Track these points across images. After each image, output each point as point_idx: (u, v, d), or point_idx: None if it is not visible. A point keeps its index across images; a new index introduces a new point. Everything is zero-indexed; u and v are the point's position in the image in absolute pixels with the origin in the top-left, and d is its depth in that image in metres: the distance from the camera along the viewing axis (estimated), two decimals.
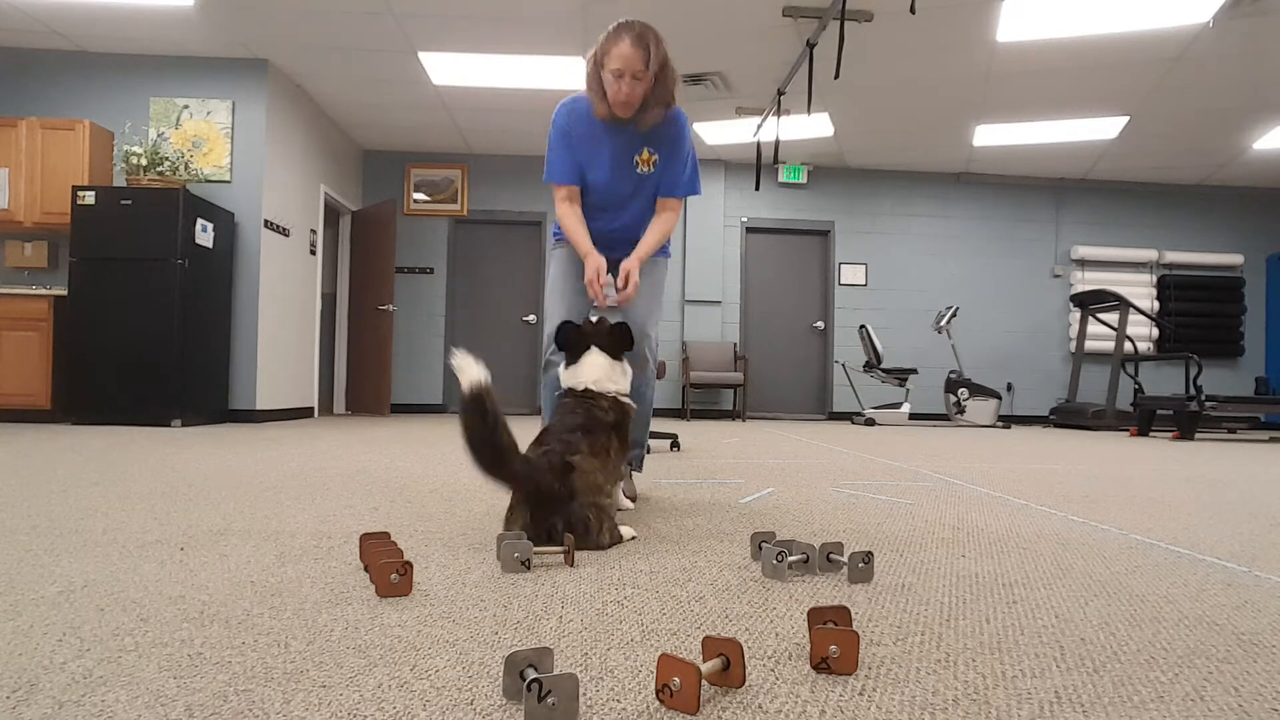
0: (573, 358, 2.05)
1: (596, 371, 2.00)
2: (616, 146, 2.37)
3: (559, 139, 2.40)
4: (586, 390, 1.98)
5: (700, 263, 8.95)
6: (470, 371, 1.59)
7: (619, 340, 2.06)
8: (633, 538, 1.84)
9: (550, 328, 2.36)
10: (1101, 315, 8.50)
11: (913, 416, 8.84)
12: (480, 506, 2.24)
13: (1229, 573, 1.59)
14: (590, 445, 1.79)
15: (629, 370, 2.10)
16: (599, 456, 1.80)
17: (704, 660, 0.93)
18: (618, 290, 2.29)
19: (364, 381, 8.17)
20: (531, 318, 8.81)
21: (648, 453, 4.13)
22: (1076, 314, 8.97)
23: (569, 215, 2.40)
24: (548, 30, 5.79)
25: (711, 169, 8.98)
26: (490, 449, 1.60)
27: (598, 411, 1.92)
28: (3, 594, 1.25)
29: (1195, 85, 6.55)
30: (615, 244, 2.42)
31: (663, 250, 2.54)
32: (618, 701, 0.87)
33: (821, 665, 0.98)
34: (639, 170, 2.39)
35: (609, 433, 1.90)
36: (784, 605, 1.28)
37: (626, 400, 2.03)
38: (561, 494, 1.67)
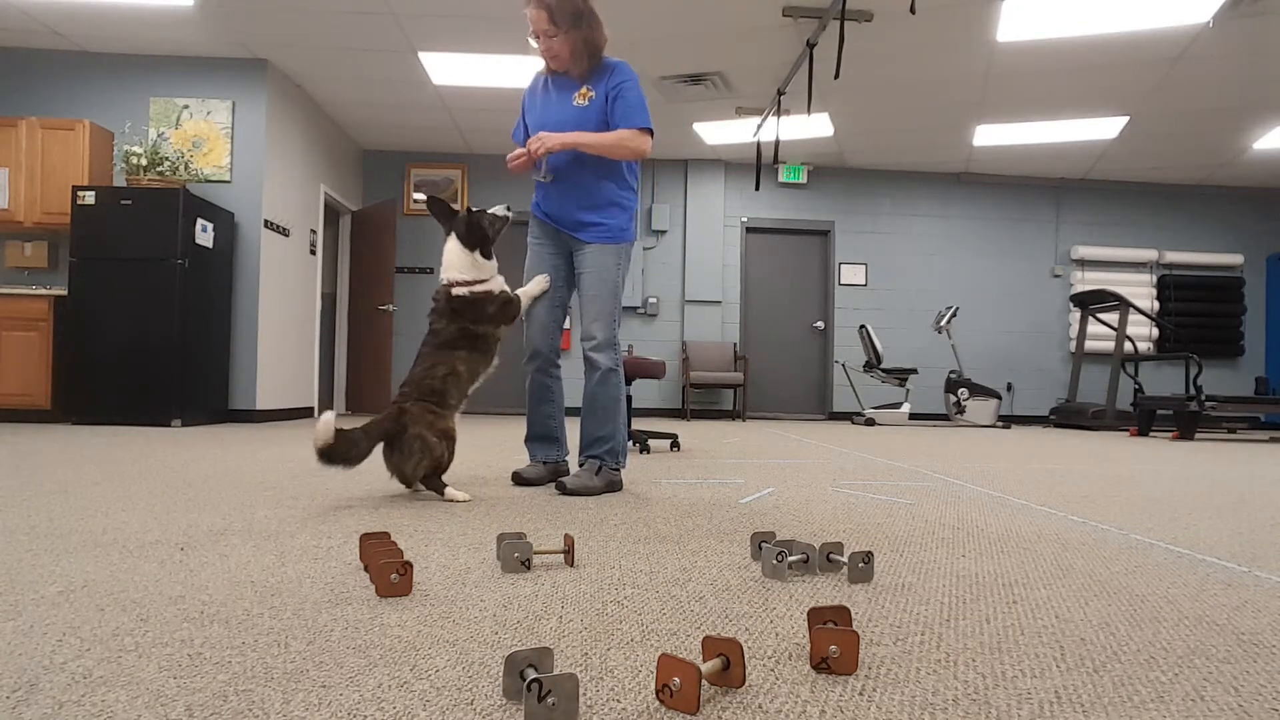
0: (445, 233, 2.49)
1: (450, 259, 2.44)
2: (558, 91, 2.69)
3: (522, 109, 2.82)
4: (446, 285, 2.43)
5: (700, 263, 8.95)
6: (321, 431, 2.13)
7: (470, 229, 2.45)
8: (464, 500, 2.30)
9: (528, 329, 2.72)
10: (1101, 315, 8.50)
11: (913, 416, 8.84)
12: (480, 506, 2.24)
13: (1229, 573, 1.59)
14: (424, 390, 2.32)
15: (481, 263, 2.47)
16: (434, 397, 2.32)
17: (704, 660, 0.93)
18: (541, 161, 2.56)
19: (364, 381, 8.17)
20: None
21: (645, 452, 4.13)
22: (1076, 314, 8.97)
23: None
24: None
25: (711, 169, 8.98)
26: (352, 454, 2.19)
27: (443, 335, 2.40)
28: (3, 594, 1.25)
29: (1195, 85, 6.55)
30: (559, 194, 2.66)
31: (612, 234, 2.67)
32: (618, 701, 0.87)
33: (821, 665, 0.98)
34: (576, 103, 2.64)
35: (452, 353, 2.37)
36: (784, 605, 1.28)
37: (479, 291, 2.42)
38: (398, 430, 2.25)
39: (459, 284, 2.43)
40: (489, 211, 2.52)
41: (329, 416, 2.15)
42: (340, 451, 2.17)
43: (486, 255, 2.49)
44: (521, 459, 3.33)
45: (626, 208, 2.70)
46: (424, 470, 2.27)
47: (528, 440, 2.83)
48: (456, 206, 2.51)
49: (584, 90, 2.63)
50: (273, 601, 1.24)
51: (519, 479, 2.71)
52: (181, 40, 6.04)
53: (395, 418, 2.28)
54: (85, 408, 5.43)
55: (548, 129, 2.60)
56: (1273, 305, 9.49)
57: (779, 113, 6.58)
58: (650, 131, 2.60)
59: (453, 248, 2.46)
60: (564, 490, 2.49)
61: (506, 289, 2.52)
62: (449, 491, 2.32)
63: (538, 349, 2.71)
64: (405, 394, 2.35)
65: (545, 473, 2.75)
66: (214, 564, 1.48)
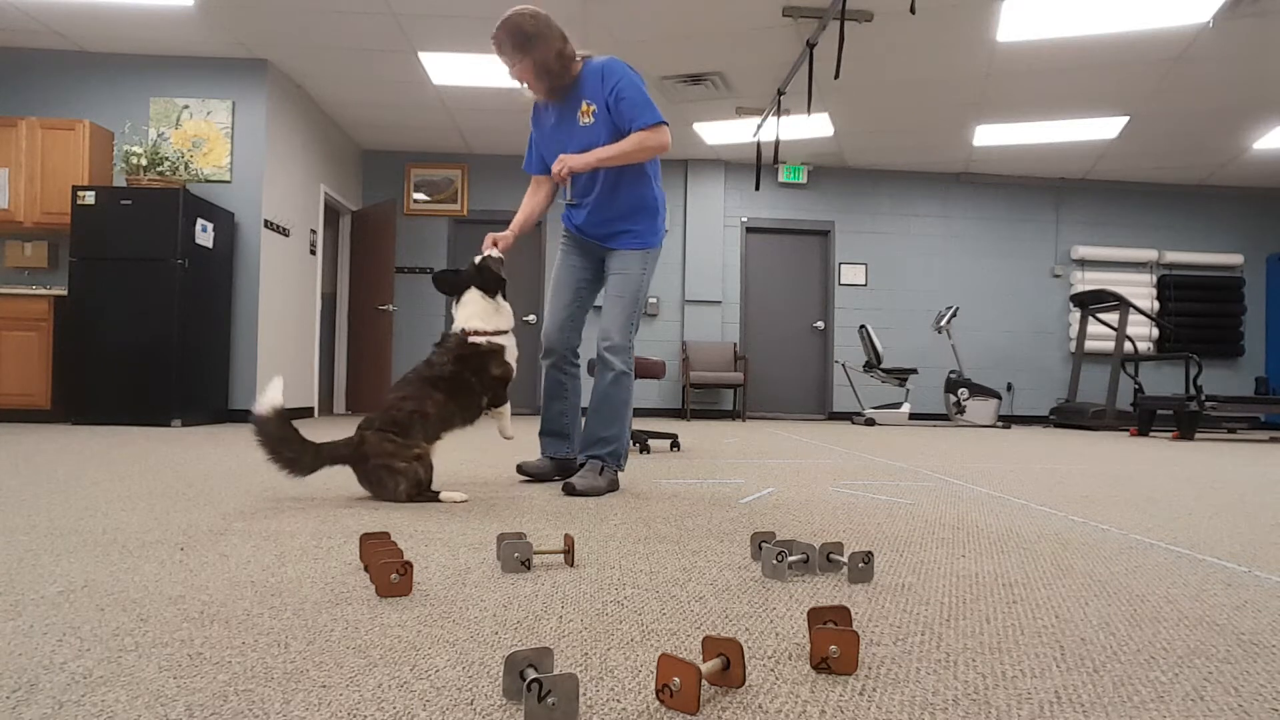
0: (456, 297, 2.52)
1: (472, 309, 2.46)
2: (561, 115, 2.67)
3: (531, 134, 2.81)
4: (463, 333, 2.44)
5: (700, 263, 8.95)
6: (268, 395, 2.14)
7: (486, 277, 2.51)
8: (461, 500, 2.31)
9: (546, 325, 2.82)
10: (1101, 315, 8.50)
11: (913, 416, 8.84)
12: (480, 507, 2.24)
13: (1229, 573, 1.59)
14: (386, 420, 2.30)
15: (503, 306, 2.53)
16: (396, 428, 2.28)
17: (704, 660, 0.93)
18: (565, 185, 2.64)
19: (364, 381, 8.17)
20: (531, 318, 8.81)
21: (645, 452, 4.13)
22: (1076, 314, 8.96)
23: (524, 200, 2.84)
24: None
25: (711, 169, 8.99)
26: (290, 457, 2.17)
27: (437, 368, 2.40)
28: (3, 594, 1.25)
29: (1195, 85, 6.55)
30: (589, 210, 2.69)
31: (641, 240, 2.67)
32: (618, 701, 0.87)
33: (821, 665, 0.98)
34: (582, 123, 2.61)
35: (431, 392, 2.35)
36: (784, 605, 1.28)
37: (496, 343, 2.45)
38: (356, 458, 2.26)
39: (479, 333, 2.46)
40: (487, 256, 2.56)
41: (276, 389, 2.14)
42: (277, 441, 2.15)
43: (505, 297, 2.56)
44: (521, 455, 3.34)
45: (654, 211, 2.69)
46: (405, 495, 2.25)
47: (540, 434, 2.87)
48: (453, 268, 2.57)
49: (585, 106, 2.59)
50: (273, 601, 1.24)
51: (521, 470, 2.78)
52: (181, 40, 6.04)
53: (355, 445, 2.27)
54: (85, 408, 5.43)
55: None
56: (1273, 305, 9.49)
57: (779, 113, 6.57)
58: (663, 123, 2.53)
59: (474, 297, 2.49)
60: (572, 491, 2.48)
61: (512, 363, 2.51)
62: (444, 495, 2.31)
63: (551, 345, 2.77)
64: (369, 420, 2.34)
65: (550, 467, 2.80)
66: (214, 564, 1.48)
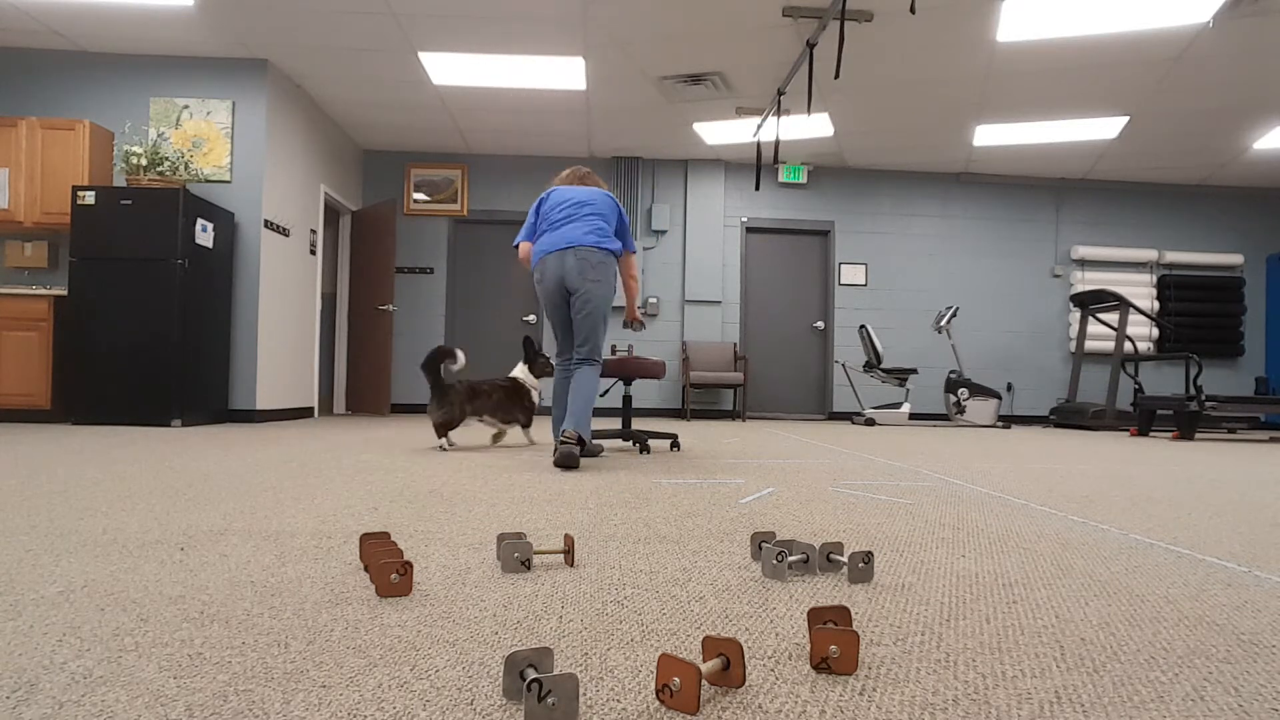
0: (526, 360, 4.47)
1: (520, 372, 4.41)
2: None
3: None
4: (513, 378, 4.38)
5: (700, 263, 8.95)
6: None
7: (533, 361, 4.43)
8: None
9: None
10: (1101, 315, 8.49)
11: (913, 416, 8.84)
12: (480, 507, 2.24)
13: (1229, 573, 1.59)
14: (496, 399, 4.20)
15: (528, 374, 4.38)
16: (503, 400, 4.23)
17: (704, 660, 0.93)
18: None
19: (364, 381, 8.17)
20: (531, 317, 8.81)
21: (645, 452, 4.13)
22: (1076, 314, 8.96)
23: None
24: (548, 30, 5.80)
25: (711, 169, 8.99)
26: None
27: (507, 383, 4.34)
28: (3, 594, 1.25)
29: (1195, 85, 6.55)
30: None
31: None
32: (618, 701, 0.87)
33: (821, 665, 0.98)
34: None
35: (507, 392, 4.28)
36: (784, 605, 1.28)
37: (522, 381, 4.36)
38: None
39: (519, 380, 4.36)
40: (551, 360, 4.56)
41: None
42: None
43: (535, 375, 4.40)
44: (522, 457, 3.37)
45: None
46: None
47: None
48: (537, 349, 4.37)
49: None
50: (273, 601, 1.24)
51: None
52: (181, 40, 6.04)
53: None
54: (85, 408, 5.43)
55: None
56: (1273, 305, 9.50)
57: (779, 113, 6.57)
58: (515, 245, 3.95)
59: (522, 368, 4.41)
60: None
61: (534, 392, 4.40)
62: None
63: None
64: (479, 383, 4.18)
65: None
66: (214, 564, 1.48)
